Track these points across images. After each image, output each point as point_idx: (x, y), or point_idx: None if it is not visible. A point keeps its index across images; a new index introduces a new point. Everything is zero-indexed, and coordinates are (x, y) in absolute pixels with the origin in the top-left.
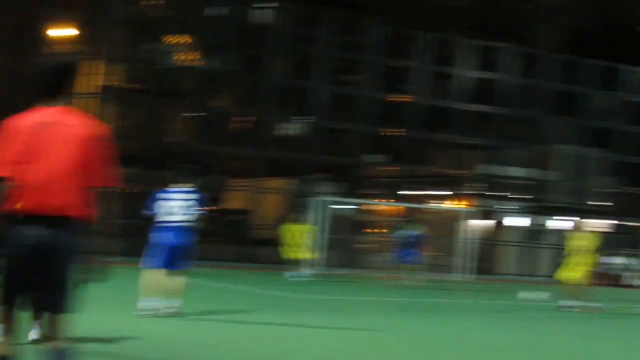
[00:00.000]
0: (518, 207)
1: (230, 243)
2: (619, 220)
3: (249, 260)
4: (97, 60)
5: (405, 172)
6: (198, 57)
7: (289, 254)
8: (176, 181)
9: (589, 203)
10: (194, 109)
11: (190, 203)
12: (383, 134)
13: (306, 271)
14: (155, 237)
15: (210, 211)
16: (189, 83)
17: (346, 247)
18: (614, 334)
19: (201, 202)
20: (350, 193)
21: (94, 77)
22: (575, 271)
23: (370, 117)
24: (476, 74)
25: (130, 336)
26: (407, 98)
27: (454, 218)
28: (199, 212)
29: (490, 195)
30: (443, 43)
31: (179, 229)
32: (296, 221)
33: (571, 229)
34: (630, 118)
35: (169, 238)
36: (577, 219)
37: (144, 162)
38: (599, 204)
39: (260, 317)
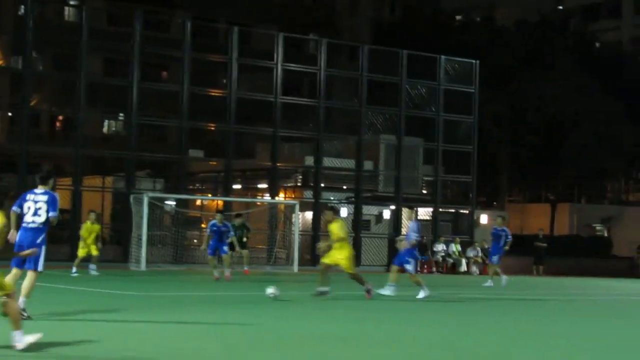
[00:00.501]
0: (341, 198)
1: (57, 243)
2: (440, 208)
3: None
4: None
5: (227, 166)
6: (10, 56)
7: (81, 251)
8: (37, 183)
9: (410, 191)
10: (7, 109)
11: (40, 205)
12: (202, 128)
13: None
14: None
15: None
16: (2, 83)
17: (169, 243)
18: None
19: (52, 204)
20: (172, 189)
21: None
22: (333, 257)
23: (188, 112)
24: (293, 67)
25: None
26: (218, 91)
27: (277, 210)
28: (50, 214)
29: (313, 186)
30: (258, 36)
31: (29, 230)
32: (92, 219)
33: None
34: (447, 106)
35: (21, 238)
36: (393, 207)
37: None
38: (420, 192)
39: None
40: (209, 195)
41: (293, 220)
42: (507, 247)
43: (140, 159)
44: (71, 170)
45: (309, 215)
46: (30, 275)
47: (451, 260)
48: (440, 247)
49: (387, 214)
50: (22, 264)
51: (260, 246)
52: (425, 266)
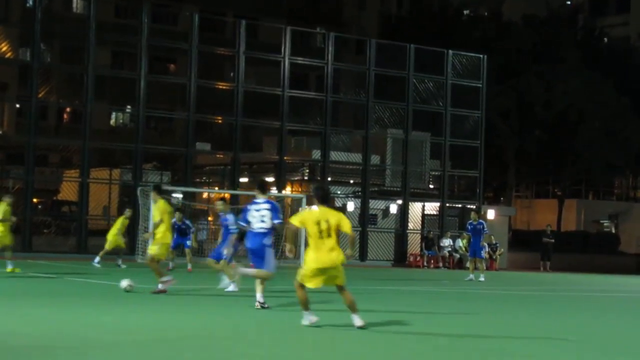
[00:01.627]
0: (348, 192)
1: (63, 234)
2: (447, 203)
3: (84, 251)
4: None
5: (234, 159)
6: (18, 47)
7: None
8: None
9: (417, 186)
10: (15, 100)
11: (264, 212)
12: (209, 121)
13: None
14: None
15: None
16: (10, 74)
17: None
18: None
19: (274, 212)
20: (179, 181)
21: None
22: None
23: (195, 105)
24: (300, 60)
25: None
26: (226, 85)
27: (284, 204)
28: (275, 221)
29: (320, 180)
30: (265, 29)
31: (257, 235)
32: (128, 215)
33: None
34: (455, 101)
35: (250, 242)
36: (400, 201)
37: None
38: (427, 187)
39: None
40: (216, 188)
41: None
42: (484, 241)
43: (147, 151)
44: (78, 163)
45: (316, 209)
46: (261, 273)
47: (458, 256)
48: (447, 242)
49: (393, 208)
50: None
51: None
52: (432, 261)
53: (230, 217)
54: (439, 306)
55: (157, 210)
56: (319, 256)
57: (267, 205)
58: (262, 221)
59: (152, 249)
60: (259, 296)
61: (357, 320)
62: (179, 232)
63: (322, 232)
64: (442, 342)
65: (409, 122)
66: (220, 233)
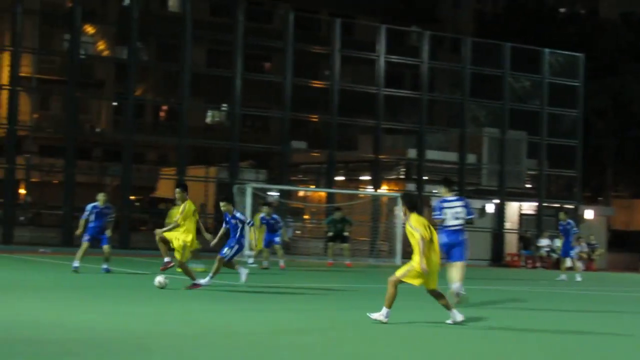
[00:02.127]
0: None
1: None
2: (544, 203)
3: None
4: (14, 52)
5: (330, 158)
6: (115, 46)
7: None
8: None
9: (514, 185)
10: (113, 98)
11: (457, 209)
12: (305, 119)
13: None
14: None
15: (139, 200)
16: (107, 72)
17: None
18: None
19: (467, 207)
20: (274, 179)
21: (10, 68)
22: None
23: (290, 103)
24: (396, 59)
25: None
26: (323, 83)
27: (379, 203)
28: (469, 216)
29: (416, 179)
30: (360, 28)
31: (452, 232)
32: None
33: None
34: (552, 100)
35: (446, 238)
36: (497, 201)
37: (64, 152)
38: (524, 187)
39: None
40: (312, 186)
41: (395, 212)
42: (574, 241)
43: (243, 149)
44: (175, 160)
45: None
46: (459, 265)
47: (555, 256)
48: (544, 242)
49: (490, 207)
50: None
51: (362, 239)
52: (530, 261)
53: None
54: (540, 304)
55: (178, 211)
56: (432, 258)
57: (460, 203)
58: (456, 218)
59: (177, 255)
60: (457, 286)
61: (457, 316)
62: (268, 227)
63: (432, 236)
64: (537, 339)
65: (505, 121)
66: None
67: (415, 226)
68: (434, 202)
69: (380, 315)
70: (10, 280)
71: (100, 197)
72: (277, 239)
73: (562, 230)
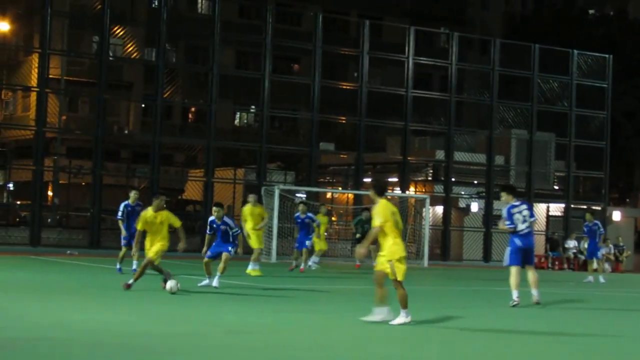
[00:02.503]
0: (472, 193)
1: (187, 233)
2: (572, 204)
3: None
4: (42, 53)
5: (358, 159)
6: (144, 48)
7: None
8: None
9: (542, 187)
10: (141, 100)
11: (525, 213)
12: (333, 121)
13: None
14: None
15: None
16: (136, 74)
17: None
18: None
19: (531, 209)
20: (302, 181)
21: (39, 70)
22: None
23: (319, 105)
24: (424, 60)
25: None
26: (351, 85)
27: (407, 204)
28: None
29: (444, 180)
30: (389, 29)
31: (525, 236)
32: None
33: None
34: (580, 101)
35: (523, 242)
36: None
37: (92, 154)
38: (551, 188)
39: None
40: (339, 188)
41: (423, 214)
42: (600, 242)
43: (271, 151)
44: (203, 162)
45: (439, 209)
46: (533, 269)
47: (583, 257)
48: (571, 243)
49: None
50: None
51: None
52: (557, 263)
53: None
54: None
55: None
56: (402, 246)
57: (525, 206)
58: (525, 221)
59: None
60: (537, 293)
61: (400, 319)
62: (303, 227)
63: (397, 223)
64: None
65: (533, 123)
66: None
67: (379, 212)
68: (503, 211)
69: (401, 319)
70: (38, 281)
71: (132, 194)
72: (308, 243)
73: (587, 232)
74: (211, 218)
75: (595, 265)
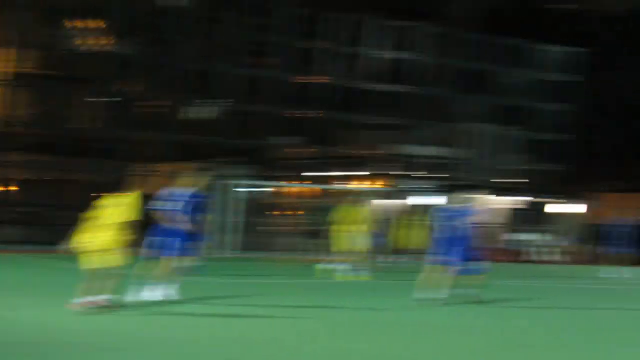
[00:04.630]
0: (430, 186)
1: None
2: (531, 197)
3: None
4: (6, 47)
5: (317, 153)
6: (108, 41)
7: None
8: None
9: (501, 180)
10: (104, 94)
11: None
12: (294, 115)
13: None
14: None
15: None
16: (99, 68)
17: (254, 230)
18: None
19: None
20: (261, 175)
21: (3, 63)
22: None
23: (280, 99)
24: (386, 54)
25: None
26: (317, 79)
27: (366, 198)
28: None
29: (403, 174)
30: (353, 23)
31: None
32: None
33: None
34: (541, 95)
35: None
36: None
37: (54, 148)
38: (511, 181)
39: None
40: (306, 182)
41: (381, 208)
42: None
43: (231, 144)
44: (165, 156)
45: (394, 202)
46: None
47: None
48: (524, 236)
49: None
50: None
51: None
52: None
53: None
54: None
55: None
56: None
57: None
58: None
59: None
60: None
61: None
62: None
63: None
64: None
65: (492, 116)
66: None
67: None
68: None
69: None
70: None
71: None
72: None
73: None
74: None
75: None
